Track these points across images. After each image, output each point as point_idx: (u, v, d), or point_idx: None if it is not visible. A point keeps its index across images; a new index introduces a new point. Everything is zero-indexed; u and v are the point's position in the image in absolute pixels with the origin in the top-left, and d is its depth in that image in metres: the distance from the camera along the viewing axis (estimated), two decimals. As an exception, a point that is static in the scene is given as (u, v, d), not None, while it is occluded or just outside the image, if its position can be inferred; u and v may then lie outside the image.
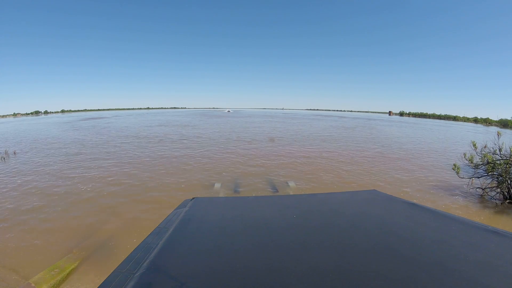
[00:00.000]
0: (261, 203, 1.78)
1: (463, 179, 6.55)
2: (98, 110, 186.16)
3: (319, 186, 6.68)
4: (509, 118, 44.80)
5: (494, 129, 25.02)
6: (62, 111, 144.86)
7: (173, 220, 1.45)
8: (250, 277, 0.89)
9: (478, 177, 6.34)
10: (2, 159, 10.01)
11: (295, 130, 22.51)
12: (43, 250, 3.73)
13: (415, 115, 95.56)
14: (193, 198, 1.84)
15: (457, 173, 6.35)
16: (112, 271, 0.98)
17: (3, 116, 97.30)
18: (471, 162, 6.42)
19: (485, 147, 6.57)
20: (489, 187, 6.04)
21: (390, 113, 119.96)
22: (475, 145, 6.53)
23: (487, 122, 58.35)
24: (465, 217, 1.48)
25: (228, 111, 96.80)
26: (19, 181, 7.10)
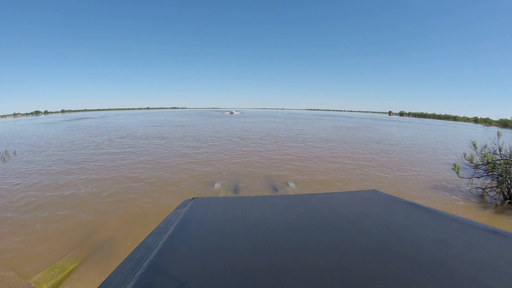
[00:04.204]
0: (261, 203, 1.78)
1: (463, 179, 6.55)
2: (98, 110, 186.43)
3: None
4: (509, 118, 44.83)
5: (494, 129, 25.03)
6: (62, 111, 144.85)
7: (173, 220, 1.45)
8: (250, 277, 0.89)
9: (478, 177, 6.34)
10: (3, 159, 10.01)
11: (314, 135, 19.97)
12: (43, 250, 3.73)
13: (415, 115, 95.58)
14: (193, 198, 1.84)
15: (457, 173, 6.35)
16: (112, 271, 0.98)
17: (3, 116, 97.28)
18: (471, 162, 6.42)
19: (485, 147, 6.57)
20: (489, 187, 6.04)
21: (390, 113, 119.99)
22: (475, 145, 6.53)
23: (487, 122, 58.35)
24: (465, 217, 1.48)
25: (232, 113, 72.02)
26: (17, 181, 7.11)
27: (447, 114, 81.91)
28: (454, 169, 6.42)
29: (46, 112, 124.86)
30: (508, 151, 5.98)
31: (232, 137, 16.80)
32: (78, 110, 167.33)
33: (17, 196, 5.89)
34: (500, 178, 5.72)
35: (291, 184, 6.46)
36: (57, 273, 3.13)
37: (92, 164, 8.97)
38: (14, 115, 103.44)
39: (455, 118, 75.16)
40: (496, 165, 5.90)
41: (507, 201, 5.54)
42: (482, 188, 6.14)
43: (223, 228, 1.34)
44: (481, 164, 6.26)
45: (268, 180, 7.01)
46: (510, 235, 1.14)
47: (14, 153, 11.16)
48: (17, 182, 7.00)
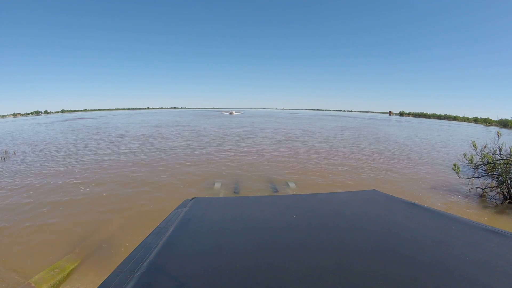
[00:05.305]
0: (261, 203, 1.78)
1: (463, 179, 6.55)
2: (98, 110, 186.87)
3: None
4: (509, 118, 44.83)
5: (494, 129, 25.05)
6: (62, 111, 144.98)
7: (173, 220, 1.45)
8: (250, 277, 0.89)
9: (478, 177, 6.34)
10: (3, 159, 10.02)
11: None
12: (43, 250, 3.73)
13: (415, 115, 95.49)
14: (193, 198, 1.84)
15: (457, 173, 6.35)
16: (112, 271, 0.98)
17: (3, 116, 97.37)
18: (471, 162, 6.43)
19: (485, 147, 6.58)
20: (489, 187, 6.04)
21: (390, 113, 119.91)
22: (475, 145, 6.53)
23: (487, 122, 58.29)
24: (465, 217, 1.48)
25: (231, 113, 66.24)
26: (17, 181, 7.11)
27: (447, 114, 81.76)
28: (454, 169, 6.42)
29: (46, 112, 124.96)
30: (508, 151, 5.98)
31: (233, 137, 16.80)
32: (78, 110, 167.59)
33: (17, 196, 5.90)
34: (500, 178, 5.72)
35: (291, 184, 6.45)
36: (57, 273, 3.13)
37: (91, 164, 8.98)
38: (14, 115, 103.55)
39: (455, 118, 75.07)
40: (496, 165, 5.90)
41: (507, 201, 5.55)
42: (482, 188, 6.14)
43: (223, 228, 1.34)
44: (481, 164, 6.26)
45: (268, 180, 7.01)
46: (510, 235, 1.14)
47: (14, 153, 11.17)
48: (17, 182, 7.00)
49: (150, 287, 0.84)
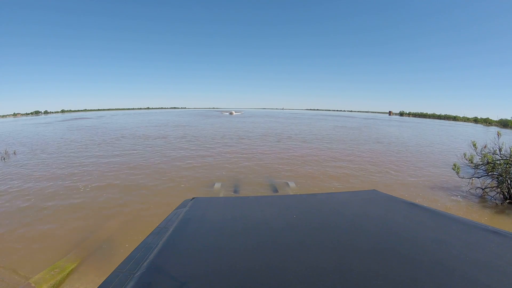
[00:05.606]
0: (261, 203, 1.78)
1: (463, 179, 6.55)
2: (98, 110, 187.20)
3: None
4: (509, 118, 44.83)
5: (494, 129, 25.05)
6: (62, 111, 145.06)
7: (173, 220, 1.46)
8: (250, 277, 0.89)
9: (478, 177, 6.34)
10: (3, 159, 10.01)
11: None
12: (43, 250, 3.73)
13: (415, 115, 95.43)
14: (193, 198, 1.84)
15: (457, 173, 6.35)
16: (112, 271, 0.98)
17: (3, 116, 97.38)
18: (471, 162, 6.42)
19: (485, 147, 6.58)
20: (489, 187, 6.04)
21: (390, 113, 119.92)
22: (475, 145, 6.53)
23: (487, 122, 58.25)
24: (465, 217, 1.48)
25: (231, 114, 64.78)
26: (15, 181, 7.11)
27: (447, 114, 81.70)
28: (454, 169, 6.42)
29: (46, 112, 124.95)
30: (508, 151, 5.98)
31: (233, 137, 16.80)
32: (78, 110, 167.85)
33: (17, 196, 5.90)
34: (500, 178, 5.72)
35: (291, 184, 6.45)
36: (57, 273, 3.13)
37: (91, 165, 8.97)
38: (14, 115, 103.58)
39: (455, 118, 75.00)
40: (496, 165, 5.90)
41: (507, 201, 5.54)
42: (482, 188, 6.13)
43: (223, 228, 1.34)
44: (481, 164, 6.26)
45: (268, 180, 7.01)
46: (510, 235, 1.14)
47: (14, 152, 11.17)
48: (17, 182, 7.00)
49: (150, 287, 0.84)
